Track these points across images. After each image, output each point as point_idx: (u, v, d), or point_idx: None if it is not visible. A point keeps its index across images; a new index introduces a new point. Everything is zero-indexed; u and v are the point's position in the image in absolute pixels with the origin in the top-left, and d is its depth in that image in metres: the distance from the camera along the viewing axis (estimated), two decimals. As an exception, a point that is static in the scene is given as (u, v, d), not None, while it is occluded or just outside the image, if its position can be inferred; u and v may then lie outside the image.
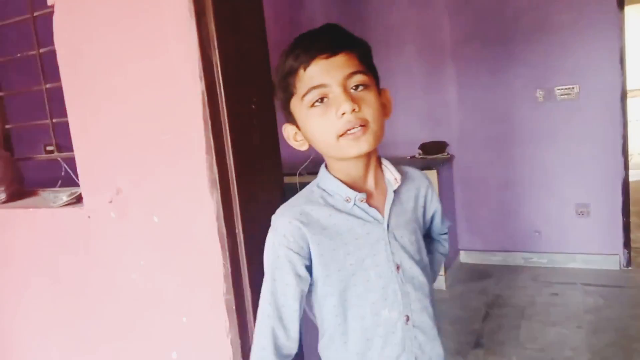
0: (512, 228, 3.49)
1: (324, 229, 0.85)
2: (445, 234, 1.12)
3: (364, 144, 0.80)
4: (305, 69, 0.80)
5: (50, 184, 1.58)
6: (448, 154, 3.53)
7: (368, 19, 3.68)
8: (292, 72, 0.82)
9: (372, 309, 0.87)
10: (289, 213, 0.87)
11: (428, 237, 1.09)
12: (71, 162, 1.61)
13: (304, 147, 0.89)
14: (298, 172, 3.58)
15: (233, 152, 1.03)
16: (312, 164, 3.84)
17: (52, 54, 1.22)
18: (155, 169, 1.10)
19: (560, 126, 3.25)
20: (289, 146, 0.96)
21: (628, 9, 3.41)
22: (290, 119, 0.89)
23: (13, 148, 1.66)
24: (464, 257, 3.65)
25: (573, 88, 3.17)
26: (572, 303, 2.82)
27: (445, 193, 3.40)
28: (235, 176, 1.04)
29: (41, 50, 1.46)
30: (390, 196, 0.89)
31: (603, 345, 2.34)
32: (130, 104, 1.10)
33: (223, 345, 1.10)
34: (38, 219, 1.33)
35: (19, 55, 1.53)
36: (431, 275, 1.01)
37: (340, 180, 0.87)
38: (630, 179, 3.30)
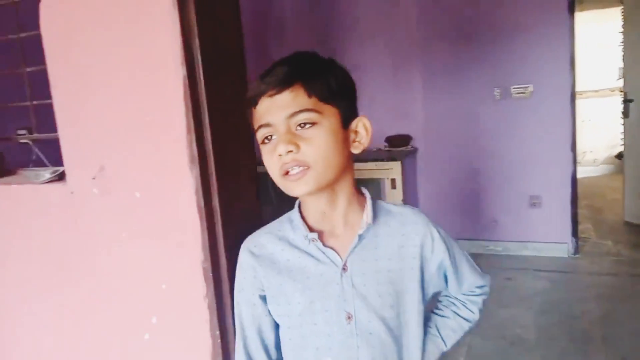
0: (471, 218, 3.70)
1: (273, 263, 0.84)
2: (477, 295, 0.96)
3: (303, 186, 0.76)
4: (255, 107, 0.81)
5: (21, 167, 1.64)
6: (412, 146, 3.70)
7: (338, 13, 3.81)
8: (248, 107, 0.84)
9: (315, 355, 0.83)
10: (248, 242, 0.90)
11: (451, 296, 0.98)
12: (42, 145, 1.68)
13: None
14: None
15: (211, 132, 1.14)
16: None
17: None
18: (138, 147, 1.19)
19: (516, 123, 3.46)
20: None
21: (579, 15, 3.65)
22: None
23: (-10, 129, 1.70)
24: (425, 246, 3.83)
25: (527, 87, 3.38)
26: (524, 287, 3.03)
27: (409, 184, 3.57)
28: (213, 154, 1.15)
29: (22, 35, 1.52)
30: (352, 238, 0.82)
31: (549, 324, 2.55)
32: (115, 87, 1.18)
33: (200, 309, 1.20)
34: (21, 195, 1.40)
35: (-1, 39, 1.58)
36: (431, 341, 0.92)
37: (302, 217, 0.84)
38: (582, 175, 3.55)
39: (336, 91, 0.80)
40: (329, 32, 3.86)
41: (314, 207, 0.83)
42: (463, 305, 0.96)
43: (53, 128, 1.56)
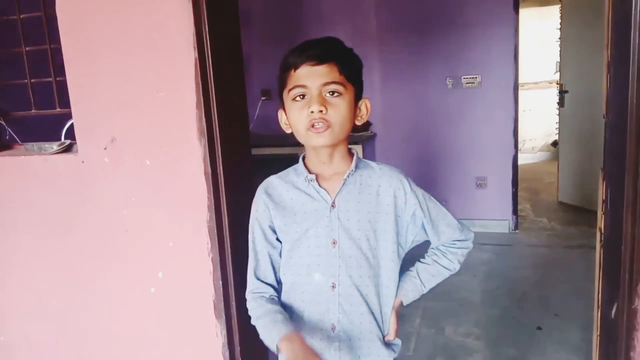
0: (424, 198, 4.00)
1: (281, 200, 1.04)
2: (457, 247, 1.12)
3: (322, 139, 0.95)
4: (295, 70, 0.96)
5: None
6: (371, 132, 3.96)
7: (302, 7, 3.99)
8: (287, 69, 0.97)
9: (307, 270, 1.02)
10: (264, 184, 1.08)
11: (434, 247, 1.13)
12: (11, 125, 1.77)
13: (288, 131, 1.03)
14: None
15: (217, 108, 1.31)
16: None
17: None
18: (150, 120, 1.35)
19: (465, 110, 3.78)
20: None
21: (523, 12, 4.00)
22: (282, 106, 1.03)
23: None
24: (382, 224, 4.12)
25: (476, 78, 3.70)
26: (470, 258, 3.30)
27: (368, 166, 3.82)
28: (218, 127, 1.33)
29: (22, 16, 1.62)
30: (340, 182, 1.01)
31: (492, 288, 2.88)
32: (129, 67, 1.33)
33: (205, 263, 1.38)
34: (30, 166, 1.51)
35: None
36: (410, 281, 1.10)
37: (306, 166, 1.04)
38: (521, 161, 3.92)
39: (355, 75, 1.00)
40: (293, 25, 4.02)
41: (318, 158, 1.02)
42: (443, 255, 1.13)
43: (19, 107, 1.66)
